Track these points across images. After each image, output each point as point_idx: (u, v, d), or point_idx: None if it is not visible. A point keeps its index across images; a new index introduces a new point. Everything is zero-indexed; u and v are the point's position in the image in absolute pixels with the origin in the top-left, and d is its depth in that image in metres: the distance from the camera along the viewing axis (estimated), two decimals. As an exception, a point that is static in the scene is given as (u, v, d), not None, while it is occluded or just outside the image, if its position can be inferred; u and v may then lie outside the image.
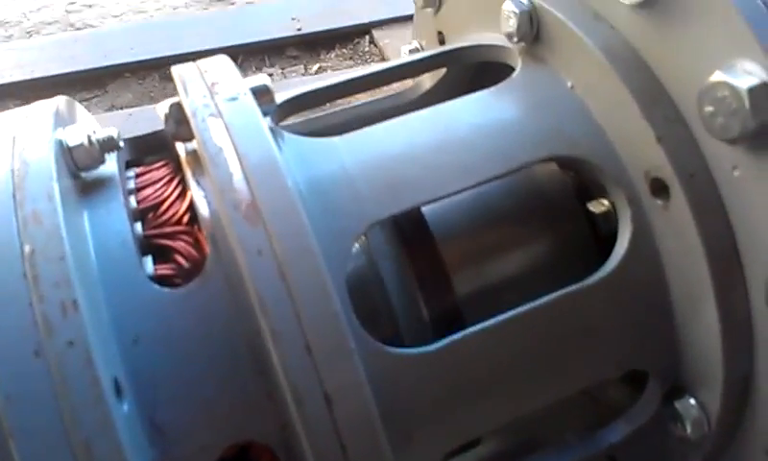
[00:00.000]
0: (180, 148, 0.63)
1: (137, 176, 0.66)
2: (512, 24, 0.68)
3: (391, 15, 2.24)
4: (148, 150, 0.72)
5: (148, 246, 0.58)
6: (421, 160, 0.60)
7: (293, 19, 2.26)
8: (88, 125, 0.60)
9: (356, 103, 0.86)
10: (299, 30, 2.23)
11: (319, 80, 0.80)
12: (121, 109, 2.00)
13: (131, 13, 2.51)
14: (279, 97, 0.67)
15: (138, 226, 0.59)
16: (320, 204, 0.56)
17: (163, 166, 0.67)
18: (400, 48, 0.93)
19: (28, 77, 2.06)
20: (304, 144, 0.62)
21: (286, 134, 0.62)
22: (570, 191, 0.72)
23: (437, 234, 0.66)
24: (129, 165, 0.68)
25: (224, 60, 0.63)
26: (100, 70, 2.10)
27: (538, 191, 0.72)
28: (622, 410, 0.67)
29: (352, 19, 2.25)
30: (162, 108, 0.60)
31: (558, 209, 0.71)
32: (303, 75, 2.12)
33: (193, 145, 0.61)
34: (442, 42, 0.87)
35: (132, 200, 0.61)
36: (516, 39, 0.68)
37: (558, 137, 0.62)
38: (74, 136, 0.57)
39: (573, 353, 0.60)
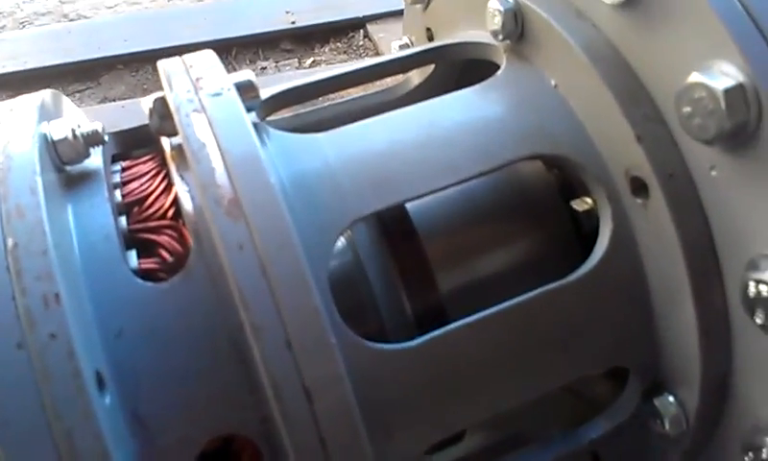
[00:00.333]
0: (165, 143, 0.63)
1: (123, 170, 0.66)
2: (497, 22, 0.68)
3: (385, 9, 2.24)
4: (135, 143, 0.72)
5: (132, 240, 0.59)
6: (405, 157, 0.60)
7: (287, 13, 2.26)
8: (73, 119, 0.61)
9: (345, 98, 0.87)
10: (293, 23, 2.23)
11: (311, 74, 0.80)
12: (114, 101, 2.00)
13: (124, 5, 2.50)
14: (266, 93, 0.67)
15: (123, 220, 0.59)
16: (303, 199, 0.57)
17: (150, 160, 0.67)
18: (391, 43, 0.94)
19: (21, 68, 2.06)
20: (289, 140, 0.62)
21: (271, 130, 0.63)
22: (554, 189, 0.73)
23: (421, 231, 0.67)
24: (116, 159, 0.68)
25: (209, 54, 0.63)
26: (93, 62, 2.10)
27: (522, 189, 0.72)
28: (606, 406, 0.68)
29: (347, 13, 2.25)
30: (147, 102, 0.60)
31: (541, 207, 0.72)
32: (297, 68, 2.12)
33: (178, 140, 0.61)
34: (430, 39, 0.88)
35: (118, 194, 0.61)
36: (501, 37, 0.69)
37: (540, 135, 0.63)
38: (58, 130, 0.58)
39: (554, 350, 0.61)
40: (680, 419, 0.62)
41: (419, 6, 0.87)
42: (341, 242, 0.68)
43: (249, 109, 0.59)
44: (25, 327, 0.44)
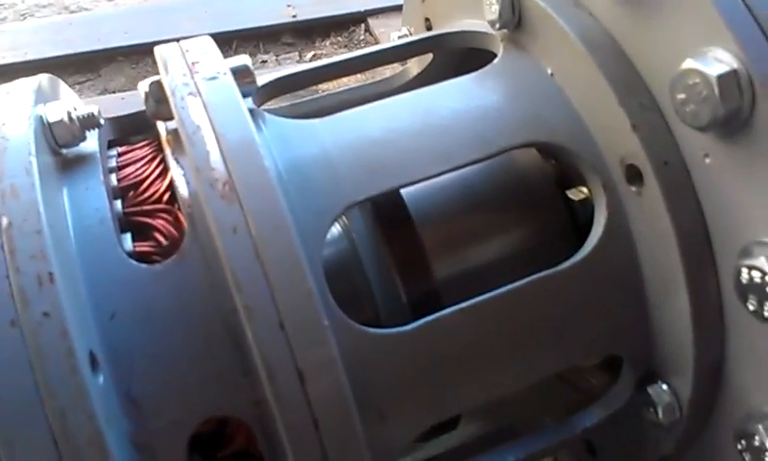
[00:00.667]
0: (161, 127, 0.63)
1: (120, 154, 0.66)
2: (494, 11, 0.68)
3: (386, 4, 2.24)
4: (132, 130, 0.72)
5: (127, 223, 0.59)
6: (400, 144, 0.61)
7: (288, 6, 2.26)
8: (69, 101, 0.61)
9: (344, 88, 0.87)
10: (294, 17, 2.23)
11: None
12: (114, 92, 2.00)
13: (125, -3, 2.50)
14: (263, 79, 0.68)
15: (118, 203, 0.59)
16: (298, 184, 0.57)
17: (146, 145, 0.67)
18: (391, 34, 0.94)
19: (21, 59, 2.06)
20: (285, 126, 0.62)
21: (267, 116, 0.63)
22: (551, 179, 0.73)
23: (417, 219, 0.67)
24: (113, 145, 0.68)
25: (206, 40, 0.63)
26: (93, 54, 2.10)
27: (519, 178, 0.72)
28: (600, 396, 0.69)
29: (348, 7, 2.25)
30: (143, 86, 0.61)
31: (538, 196, 0.72)
32: (298, 62, 2.12)
33: (173, 124, 0.61)
34: (429, 29, 0.88)
35: (113, 178, 0.62)
36: (498, 26, 0.69)
37: (536, 124, 0.63)
38: (54, 112, 0.58)
39: (547, 337, 0.61)
40: (673, 407, 0.62)
41: (417, -4, 0.87)
42: (337, 230, 0.68)
43: (245, 95, 0.59)
44: (18, 305, 0.44)
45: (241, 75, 0.60)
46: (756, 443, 0.56)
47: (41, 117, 0.57)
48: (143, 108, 0.62)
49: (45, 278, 0.46)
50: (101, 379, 0.47)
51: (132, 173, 0.64)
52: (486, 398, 0.60)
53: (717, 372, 0.61)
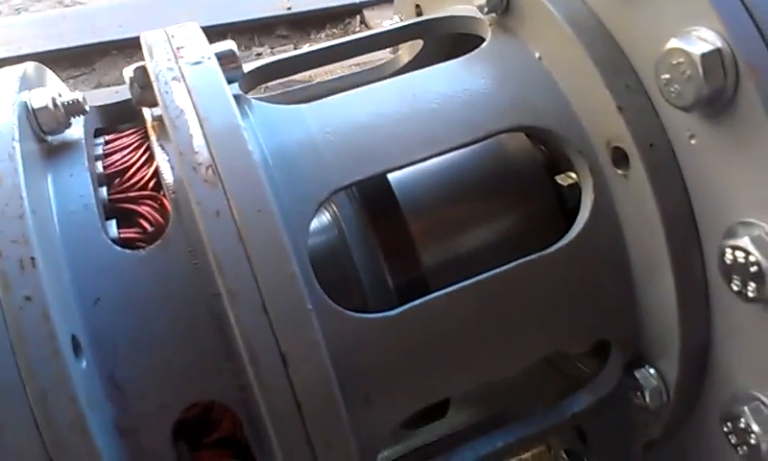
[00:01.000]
0: (147, 113, 0.63)
1: (107, 142, 0.66)
2: (482, -6, 0.68)
3: (382, -4, 2.23)
4: (120, 118, 0.72)
5: (113, 210, 0.59)
6: (387, 129, 0.60)
7: (283, -2, 2.25)
8: (55, 88, 0.61)
9: (335, 76, 0.87)
10: (289, 9, 2.22)
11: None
12: (108, 86, 1.99)
13: (120, -9, 2.49)
14: (250, 65, 0.67)
15: (104, 190, 0.59)
16: (284, 169, 0.56)
17: (133, 133, 0.67)
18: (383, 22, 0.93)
19: (15, 54, 2.05)
20: (271, 111, 0.62)
21: (254, 102, 0.63)
22: (540, 164, 0.72)
23: (405, 205, 0.67)
24: (101, 133, 0.68)
25: (192, 26, 0.63)
26: (87, 48, 2.09)
27: (507, 164, 0.72)
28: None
29: (343, -1, 2.25)
30: (127, 72, 0.60)
31: (527, 182, 0.72)
32: (292, 54, 2.11)
33: (158, 110, 0.61)
34: (419, 15, 0.87)
35: (99, 165, 0.61)
36: (486, 10, 0.69)
37: (523, 108, 0.63)
38: (39, 99, 0.58)
39: (533, 321, 0.61)
40: (660, 391, 0.62)
41: (407, -17, 0.87)
42: (326, 217, 0.68)
43: (230, 80, 0.58)
44: (0, 289, 0.44)
45: (226, 60, 0.60)
46: (742, 425, 0.56)
47: (26, 103, 0.57)
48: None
49: (27, 262, 0.45)
50: (84, 364, 0.47)
51: (119, 160, 0.63)
52: (472, 382, 0.60)
53: (703, 354, 0.61)
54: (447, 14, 0.75)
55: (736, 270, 0.51)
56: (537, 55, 0.66)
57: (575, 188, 0.69)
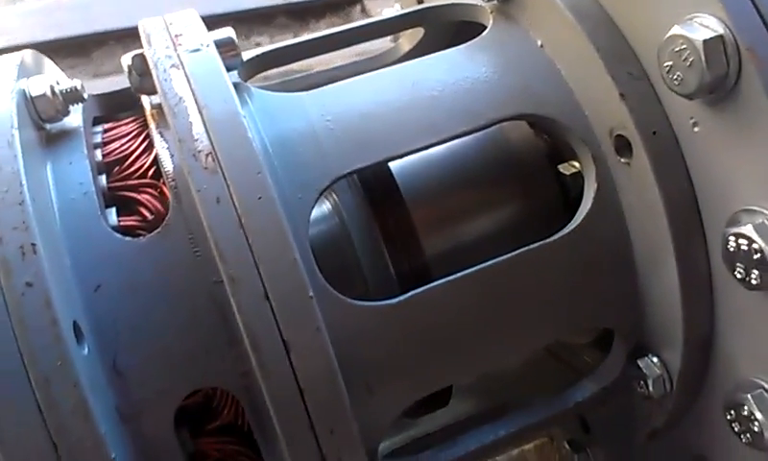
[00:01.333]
0: (146, 101, 0.63)
1: (105, 131, 0.66)
2: (483, -18, 0.67)
3: (381, -15, 2.22)
4: (118, 107, 0.72)
5: (113, 198, 0.58)
6: (387, 117, 0.60)
7: (282, -12, 2.24)
8: (53, 76, 0.60)
9: (335, 65, 0.86)
10: (288, -1, 2.21)
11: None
12: (106, 76, 1.98)
13: (117, -19, 2.47)
14: (249, 54, 0.67)
15: (103, 178, 0.59)
16: (284, 158, 0.56)
17: (132, 122, 0.67)
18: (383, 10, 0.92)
19: (12, 44, 2.04)
20: (271, 99, 0.62)
21: (253, 89, 0.62)
22: (542, 154, 0.72)
23: (407, 194, 0.66)
24: (99, 121, 0.68)
25: (191, 13, 0.63)
26: (85, 37, 2.07)
27: (510, 153, 0.72)
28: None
29: (342, -12, 2.23)
30: (126, 60, 0.60)
31: (529, 171, 0.71)
32: (291, 45, 2.10)
33: (157, 98, 0.61)
34: (420, 3, 0.87)
35: (98, 153, 0.61)
36: (488, -2, 0.68)
37: (526, 96, 0.63)
38: (37, 87, 0.57)
39: (536, 309, 0.61)
40: (663, 380, 0.62)
41: (408, -29, 0.86)
42: (327, 207, 0.67)
43: (229, 68, 0.58)
44: (1, 275, 0.44)
45: (225, 48, 0.59)
46: (745, 412, 0.56)
47: (24, 91, 0.56)
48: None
49: (28, 248, 0.45)
50: (85, 350, 0.46)
51: (118, 148, 0.63)
52: (474, 371, 0.60)
53: (707, 343, 0.61)
54: (448, 2, 0.74)
55: (740, 258, 0.51)
56: (539, 43, 0.65)
57: (577, 177, 0.69)
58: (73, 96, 0.59)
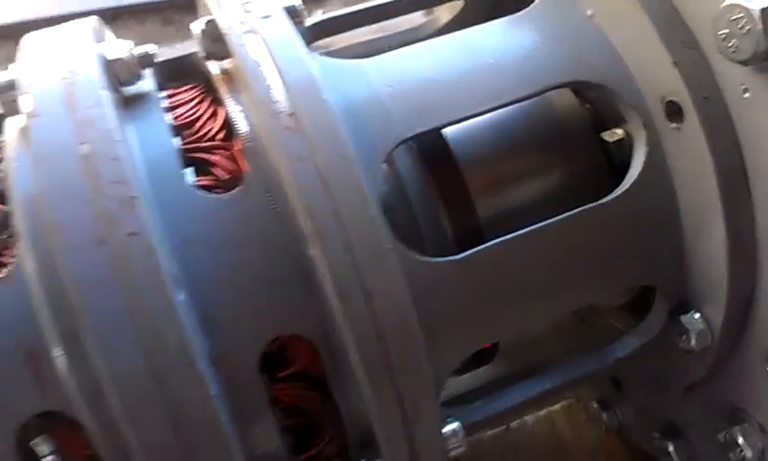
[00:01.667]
0: (213, 67, 0.65)
1: (168, 96, 0.68)
2: (533, -48, 0.70)
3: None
4: (173, 75, 0.74)
5: (186, 160, 0.61)
6: (448, 82, 0.63)
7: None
8: (124, 41, 0.62)
9: (372, 38, 0.88)
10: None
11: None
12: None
13: (129, -44, 2.46)
14: (309, 20, 0.69)
15: (177, 140, 0.61)
16: (352, 121, 0.58)
17: (191, 89, 0.69)
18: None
19: (24, 19, 2.04)
20: (334, 65, 0.64)
21: (316, 55, 0.64)
22: (586, 121, 0.75)
23: (460, 160, 0.69)
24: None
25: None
26: (98, 11, 2.08)
27: (556, 121, 0.74)
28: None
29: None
30: (197, 25, 0.62)
31: (574, 138, 0.74)
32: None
33: (226, 64, 0.63)
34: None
35: (169, 116, 0.63)
36: (537, -32, 0.70)
37: (578, 63, 0.65)
38: (113, 51, 0.59)
39: (587, 266, 0.64)
40: (705, 334, 0.66)
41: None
42: (384, 169, 0.70)
43: (297, 34, 0.60)
44: (105, 226, 0.47)
45: (293, 14, 0.61)
46: (786, 362, 0.59)
47: (103, 55, 0.58)
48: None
49: (128, 201, 0.48)
50: (183, 297, 0.49)
51: (185, 113, 0.65)
52: (528, 323, 0.63)
53: (749, 299, 0.64)
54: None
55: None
56: (589, 12, 0.68)
57: (621, 144, 0.72)
58: (146, 60, 0.61)
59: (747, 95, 0.58)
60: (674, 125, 0.62)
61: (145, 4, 2.01)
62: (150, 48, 0.63)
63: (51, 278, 0.49)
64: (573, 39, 0.67)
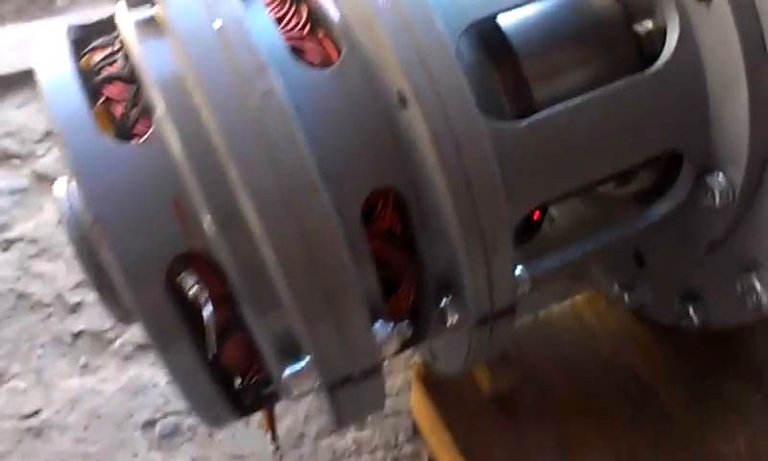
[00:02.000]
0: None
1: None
2: None
3: None
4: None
5: None
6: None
7: None
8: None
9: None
10: None
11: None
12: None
13: None
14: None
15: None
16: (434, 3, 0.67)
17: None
18: None
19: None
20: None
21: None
22: (620, 16, 0.84)
23: (518, 50, 0.78)
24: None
25: None
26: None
27: (595, 17, 0.83)
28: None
29: None
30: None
31: (610, 32, 0.83)
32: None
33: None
34: None
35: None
36: None
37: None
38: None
39: (626, 133, 0.74)
40: (727, 192, 0.77)
41: None
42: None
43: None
44: (244, 85, 0.56)
45: None
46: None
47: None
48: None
49: (261, 66, 0.57)
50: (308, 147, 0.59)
51: (273, 10, 0.73)
52: (584, 181, 0.74)
53: (766, 161, 0.75)
54: None
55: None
56: None
57: (651, 35, 0.81)
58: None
59: (766, -24, 0.67)
60: (704, 3, 0.71)
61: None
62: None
63: (193, 135, 0.58)
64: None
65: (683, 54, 0.73)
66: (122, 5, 0.66)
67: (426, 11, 0.62)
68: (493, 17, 0.74)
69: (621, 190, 0.91)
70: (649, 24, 0.82)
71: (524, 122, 0.69)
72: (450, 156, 0.60)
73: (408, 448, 1.14)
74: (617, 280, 1.05)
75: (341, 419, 0.73)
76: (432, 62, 0.61)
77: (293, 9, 0.74)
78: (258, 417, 1.13)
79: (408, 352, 0.84)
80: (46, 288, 1.38)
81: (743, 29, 0.70)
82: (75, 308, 1.35)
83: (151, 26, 0.63)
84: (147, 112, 0.63)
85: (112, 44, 0.68)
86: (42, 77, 0.62)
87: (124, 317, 0.73)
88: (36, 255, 1.44)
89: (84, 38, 0.70)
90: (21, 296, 1.39)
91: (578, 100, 0.71)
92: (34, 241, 1.46)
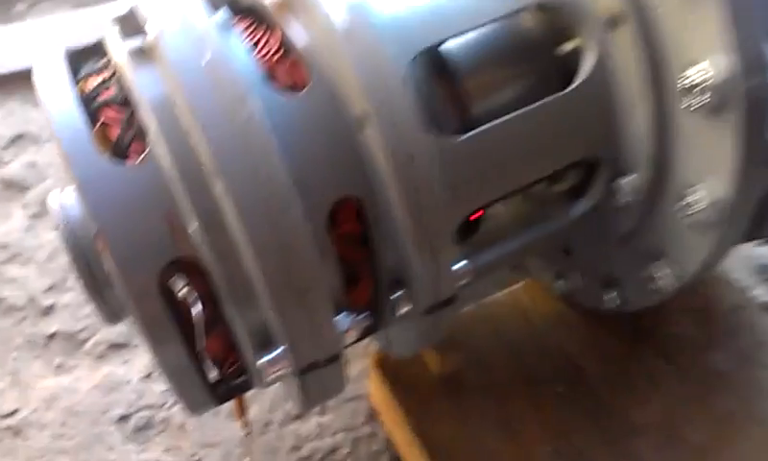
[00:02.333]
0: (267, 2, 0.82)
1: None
2: None
3: None
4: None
5: None
6: (448, 4, 0.83)
7: None
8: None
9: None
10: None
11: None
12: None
13: None
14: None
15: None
16: (385, 33, 0.77)
17: (243, 19, 0.86)
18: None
19: None
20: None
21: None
22: (547, 36, 0.96)
23: (457, 70, 0.89)
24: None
25: None
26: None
27: (524, 39, 0.96)
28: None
29: None
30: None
31: (536, 51, 0.95)
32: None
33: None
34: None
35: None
36: None
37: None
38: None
39: (551, 143, 0.87)
40: (634, 192, 0.90)
41: None
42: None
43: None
44: (230, 112, 0.66)
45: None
46: (689, 200, 0.84)
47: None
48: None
49: (243, 95, 0.67)
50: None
51: (247, 37, 0.82)
52: (513, 187, 0.86)
53: (664, 167, 0.89)
54: None
55: (691, 91, 0.78)
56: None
57: (572, 55, 0.94)
58: (218, -5, 0.79)
59: (660, 10, 0.81)
60: (612, 33, 0.85)
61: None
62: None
63: (183, 155, 0.68)
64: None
65: (597, 74, 0.86)
66: (113, 32, 0.74)
67: (379, 43, 0.73)
68: (439, 44, 0.85)
69: (552, 189, 1.04)
70: (570, 46, 0.95)
71: (464, 137, 0.80)
72: (402, 169, 0.72)
73: (366, 430, 1.25)
74: (551, 270, 1.18)
75: (308, 401, 0.83)
76: (386, 88, 0.72)
77: (267, 34, 0.83)
78: (226, 408, 1.22)
79: (366, 342, 0.95)
80: (19, 292, 1.43)
81: (645, 53, 0.83)
82: (48, 311, 1.41)
83: (143, 55, 0.72)
84: (140, 134, 0.71)
85: (105, 69, 0.76)
86: (49, 106, 0.70)
87: (111, 317, 0.82)
88: (8, 261, 1.48)
89: (73, 62, 0.78)
90: (-6, 301, 1.43)
91: (509, 116, 0.83)
92: (4, 247, 1.50)
